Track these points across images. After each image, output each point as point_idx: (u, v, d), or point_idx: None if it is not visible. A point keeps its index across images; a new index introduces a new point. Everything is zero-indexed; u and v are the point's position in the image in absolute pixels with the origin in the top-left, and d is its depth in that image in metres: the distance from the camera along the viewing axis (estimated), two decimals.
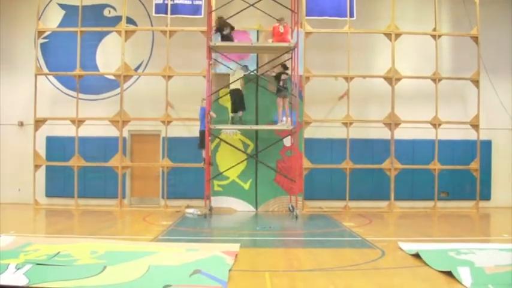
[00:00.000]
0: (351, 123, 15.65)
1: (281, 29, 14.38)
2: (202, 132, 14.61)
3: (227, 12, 14.52)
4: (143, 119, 16.19)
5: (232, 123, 14.75)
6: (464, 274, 6.85)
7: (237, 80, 14.43)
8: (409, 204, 16.02)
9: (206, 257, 7.91)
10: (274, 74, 14.97)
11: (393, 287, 6.84)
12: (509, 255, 7.94)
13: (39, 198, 15.91)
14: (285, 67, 14.79)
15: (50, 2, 16.83)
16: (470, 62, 15.97)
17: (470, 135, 16.01)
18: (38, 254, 7.97)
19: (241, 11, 14.18)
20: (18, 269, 6.92)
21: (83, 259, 7.70)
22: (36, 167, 15.88)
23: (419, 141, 16.30)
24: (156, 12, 15.82)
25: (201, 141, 14.72)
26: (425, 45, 16.13)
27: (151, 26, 16.57)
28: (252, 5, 14.32)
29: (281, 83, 14.57)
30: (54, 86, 16.78)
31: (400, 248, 9.10)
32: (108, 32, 16.50)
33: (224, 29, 14.48)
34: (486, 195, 16.48)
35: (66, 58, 16.21)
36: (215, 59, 15.33)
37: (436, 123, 15.79)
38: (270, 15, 14.73)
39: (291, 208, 14.56)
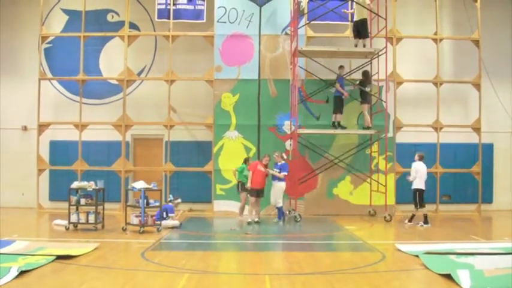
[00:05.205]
0: None
1: None
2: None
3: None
4: (146, 123, 16.28)
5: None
6: (463, 277, 6.88)
7: None
8: (410, 207, 15.97)
9: None
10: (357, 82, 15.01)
11: None
12: (509, 258, 7.96)
13: (42, 202, 16.01)
14: (366, 75, 14.87)
15: (53, 7, 16.96)
16: (471, 66, 16.02)
17: (472, 138, 16.03)
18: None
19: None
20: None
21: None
22: (40, 171, 16.00)
23: (421, 144, 16.28)
24: (159, 17, 15.96)
25: None
26: (427, 49, 16.17)
27: (154, 31, 16.68)
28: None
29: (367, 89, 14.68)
30: (57, 90, 16.89)
31: (399, 250, 9.15)
32: (111, 37, 16.61)
33: None
34: (488, 199, 16.47)
35: (70, 63, 16.37)
36: (219, 64, 15.55)
37: (437, 127, 15.84)
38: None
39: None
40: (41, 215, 15.14)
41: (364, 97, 14.78)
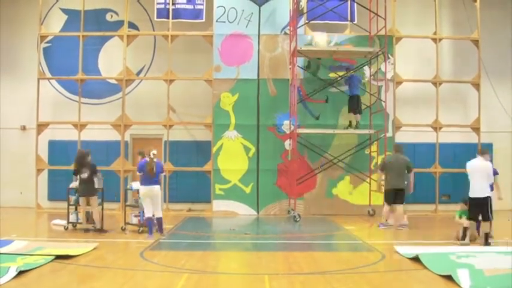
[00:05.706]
0: None
1: None
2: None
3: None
4: (145, 123, 16.26)
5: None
6: (463, 276, 6.87)
7: None
8: (410, 207, 15.96)
9: None
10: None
11: None
12: (509, 258, 7.94)
13: (41, 202, 15.99)
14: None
15: (52, 6, 16.95)
16: (471, 65, 16.02)
17: (471, 138, 16.02)
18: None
19: None
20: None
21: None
22: (39, 170, 15.98)
23: (421, 144, 16.29)
24: (158, 17, 15.96)
25: None
26: (426, 49, 16.17)
27: (153, 30, 16.67)
28: None
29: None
30: (56, 90, 16.87)
31: (397, 252, 9.12)
32: (110, 37, 16.59)
33: None
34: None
35: (69, 62, 16.32)
36: (218, 64, 15.55)
37: (437, 127, 15.83)
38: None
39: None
40: (40, 215, 15.12)
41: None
